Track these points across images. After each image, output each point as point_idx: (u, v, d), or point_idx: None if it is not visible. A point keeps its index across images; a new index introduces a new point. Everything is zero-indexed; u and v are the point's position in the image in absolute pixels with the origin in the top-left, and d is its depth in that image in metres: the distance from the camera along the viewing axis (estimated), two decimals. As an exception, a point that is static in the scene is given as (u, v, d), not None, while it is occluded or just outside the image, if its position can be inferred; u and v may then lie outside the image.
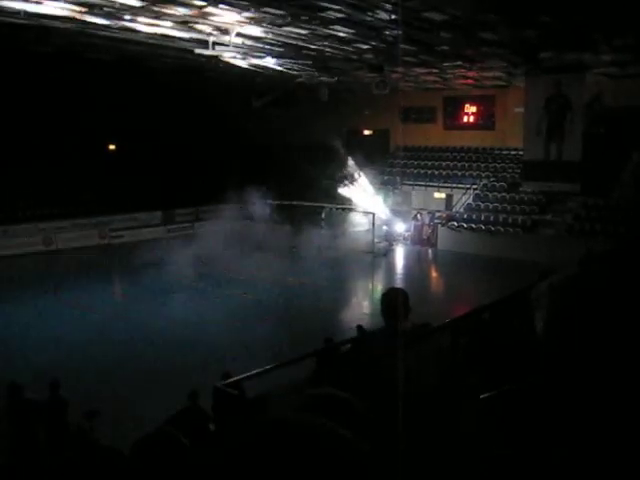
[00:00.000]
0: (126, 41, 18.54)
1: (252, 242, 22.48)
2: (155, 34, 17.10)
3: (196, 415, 7.51)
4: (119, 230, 28.42)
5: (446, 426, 3.09)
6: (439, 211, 27.73)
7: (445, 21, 15.01)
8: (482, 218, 25.69)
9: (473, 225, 25.53)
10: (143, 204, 29.55)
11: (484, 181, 27.90)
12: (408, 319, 3.53)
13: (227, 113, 32.90)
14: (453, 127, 30.44)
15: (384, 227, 26.76)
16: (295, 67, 22.54)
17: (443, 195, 28.82)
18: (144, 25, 16.04)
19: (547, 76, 22.27)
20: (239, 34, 16.58)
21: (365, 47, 18.57)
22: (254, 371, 7.55)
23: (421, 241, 26.68)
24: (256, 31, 16.44)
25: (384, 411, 2.11)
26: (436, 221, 26.91)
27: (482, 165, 28.78)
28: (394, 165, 30.93)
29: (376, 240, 25.10)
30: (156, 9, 14.27)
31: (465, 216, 26.36)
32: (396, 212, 27.92)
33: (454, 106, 30.15)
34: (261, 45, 18.32)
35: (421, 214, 27.40)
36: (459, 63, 21.51)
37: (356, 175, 28.81)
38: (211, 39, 17.15)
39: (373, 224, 25.18)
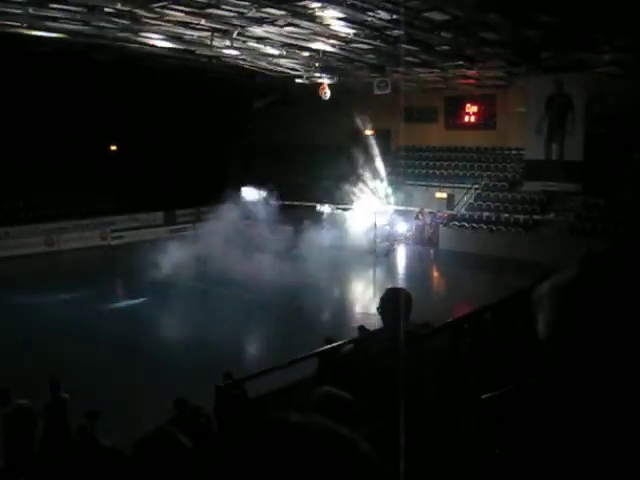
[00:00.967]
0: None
1: (253, 242, 22.47)
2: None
3: (193, 417, 7.50)
4: (121, 231, 28.47)
5: (446, 426, 3.09)
6: (440, 211, 27.71)
7: (446, 21, 15.02)
8: (484, 218, 25.67)
9: (475, 225, 25.51)
10: (144, 205, 29.59)
11: (485, 181, 27.87)
12: (409, 319, 3.53)
13: (228, 113, 32.91)
14: (454, 127, 30.40)
15: (386, 227, 26.73)
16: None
17: (445, 195, 28.78)
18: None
19: (548, 75, 22.21)
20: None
21: (366, 47, 18.57)
22: (255, 371, 7.57)
23: (423, 241, 26.64)
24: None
25: (384, 411, 2.11)
26: (438, 221, 26.89)
27: (483, 165, 28.74)
28: (395, 165, 30.90)
29: (378, 240, 25.07)
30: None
31: (467, 216, 26.34)
32: (398, 212, 27.88)
33: (455, 106, 30.13)
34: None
35: (423, 214, 27.36)
36: (460, 63, 21.49)
37: (356, 175, 28.75)
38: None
39: (374, 224, 25.15)
